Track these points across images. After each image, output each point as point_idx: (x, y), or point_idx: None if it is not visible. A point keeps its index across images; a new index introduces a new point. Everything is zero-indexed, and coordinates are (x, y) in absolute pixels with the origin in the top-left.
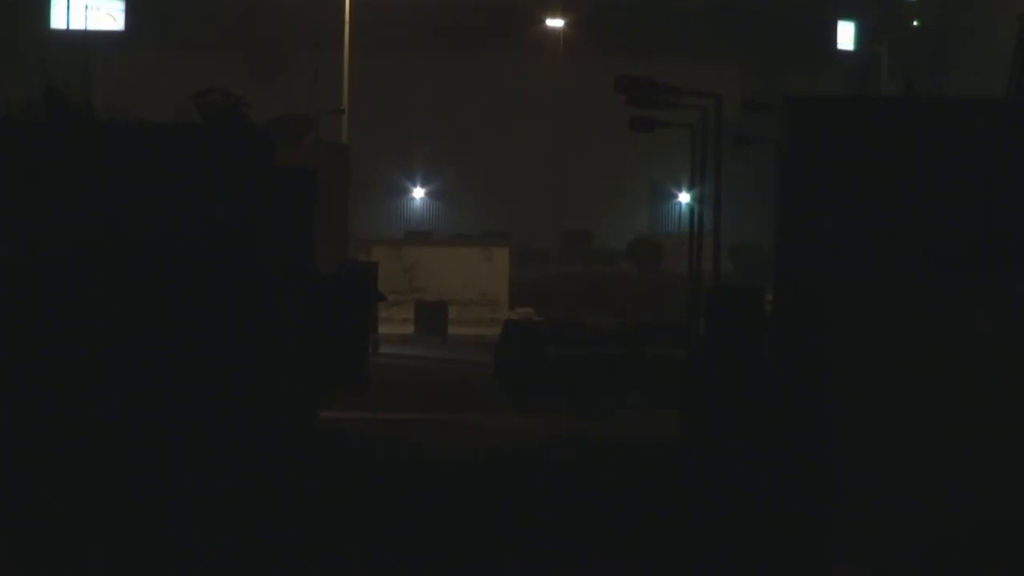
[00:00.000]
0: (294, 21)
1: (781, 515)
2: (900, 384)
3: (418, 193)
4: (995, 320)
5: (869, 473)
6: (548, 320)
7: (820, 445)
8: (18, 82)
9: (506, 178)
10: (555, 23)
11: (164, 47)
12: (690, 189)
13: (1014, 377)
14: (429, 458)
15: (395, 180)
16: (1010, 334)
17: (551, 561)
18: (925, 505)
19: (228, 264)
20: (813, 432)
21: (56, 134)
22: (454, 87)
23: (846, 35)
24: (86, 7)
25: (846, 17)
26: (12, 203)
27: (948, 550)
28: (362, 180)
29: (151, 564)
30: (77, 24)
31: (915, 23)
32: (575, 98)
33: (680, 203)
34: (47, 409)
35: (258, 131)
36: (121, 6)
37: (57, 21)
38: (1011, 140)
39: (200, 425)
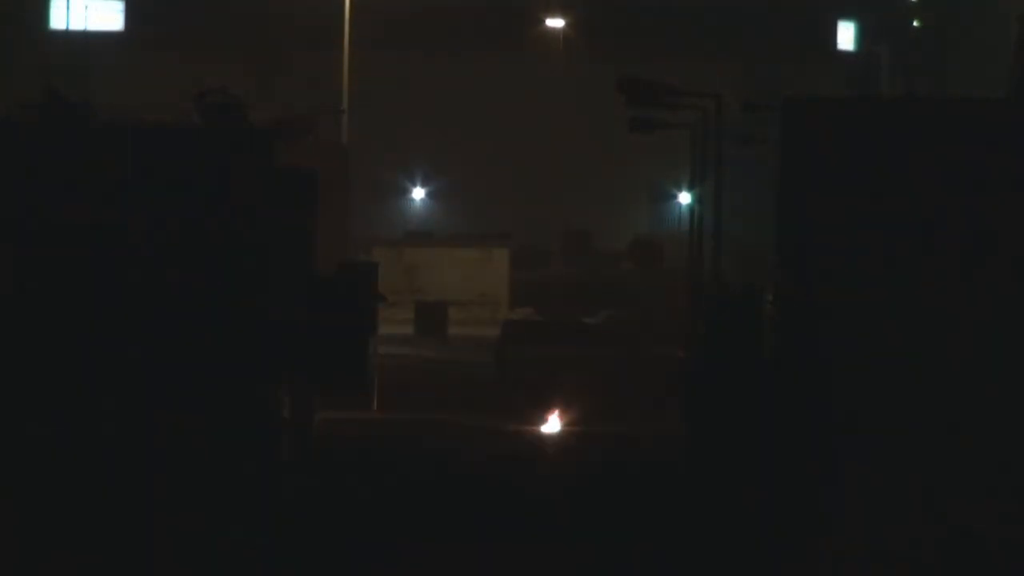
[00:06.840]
0: (294, 21)
1: (782, 513)
2: (899, 381)
3: (418, 193)
4: (992, 318)
5: (871, 469)
6: (547, 320)
7: (820, 442)
8: (18, 82)
9: (506, 178)
10: (555, 23)
11: (164, 48)
12: (690, 189)
13: (1011, 374)
14: (429, 458)
15: (395, 180)
16: (1007, 332)
17: (551, 560)
18: (926, 502)
19: (228, 265)
20: (813, 430)
21: (55, 135)
22: (454, 87)
23: (846, 35)
24: (86, 7)
25: (846, 17)
26: (10, 204)
27: (948, 547)
28: (361, 181)
29: (149, 564)
30: (77, 24)
31: (915, 23)
32: (575, 98)
33: (680, 203)
34: (43, 409)
35: (258, 131)
36: (121, 6)
37: (57, 21)
38: (1011, 140)
39: (199, 426)
